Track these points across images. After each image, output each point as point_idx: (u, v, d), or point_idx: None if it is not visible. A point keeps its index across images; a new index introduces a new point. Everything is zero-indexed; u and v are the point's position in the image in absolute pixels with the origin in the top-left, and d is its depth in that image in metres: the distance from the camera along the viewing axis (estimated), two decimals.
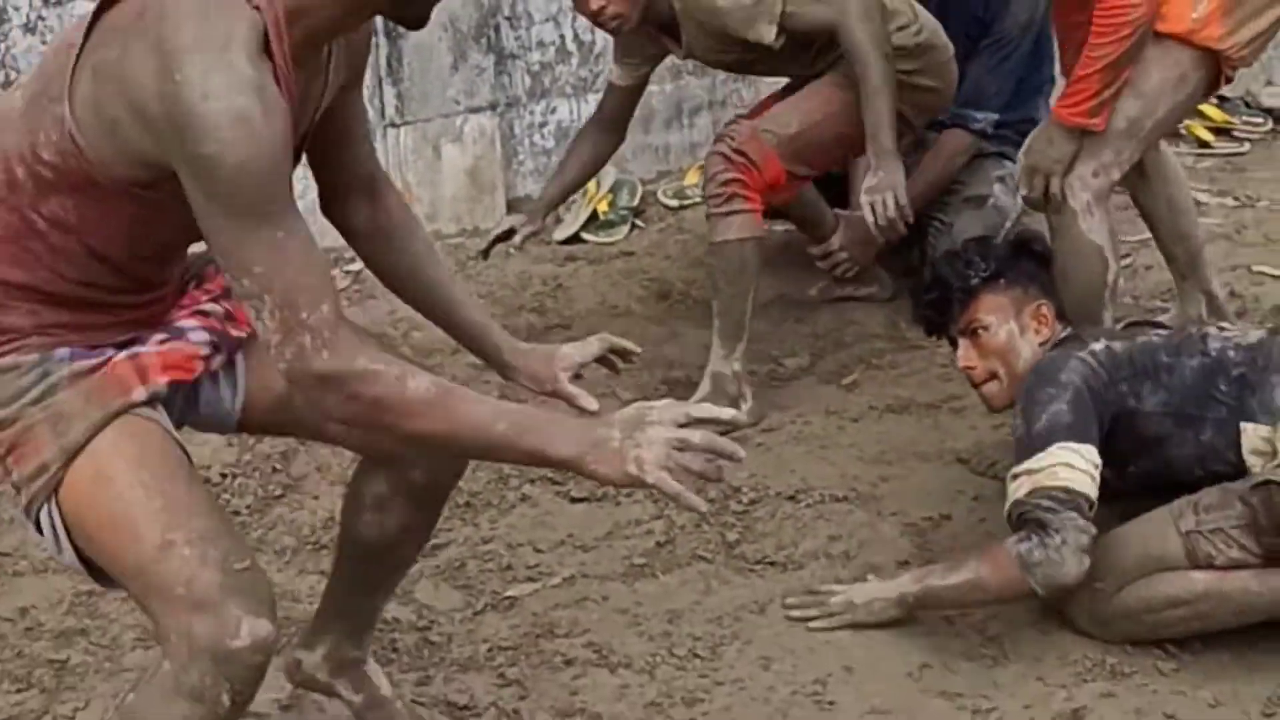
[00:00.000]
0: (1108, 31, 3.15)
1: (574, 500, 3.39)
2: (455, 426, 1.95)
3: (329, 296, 1.92)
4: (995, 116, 4.23)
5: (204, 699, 1.97)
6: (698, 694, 2.75)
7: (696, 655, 2.85)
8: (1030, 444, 2.80)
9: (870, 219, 3.69)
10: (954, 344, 3.15)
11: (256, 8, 1.86)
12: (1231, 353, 2.87)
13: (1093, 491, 2.74)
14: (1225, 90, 5.43)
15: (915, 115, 3.88)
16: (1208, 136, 5.43)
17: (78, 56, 1.92)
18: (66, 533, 2.04)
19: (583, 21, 4.84)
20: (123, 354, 2.09)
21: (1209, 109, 5.44)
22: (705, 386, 3.69)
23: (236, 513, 3.33)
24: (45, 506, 2.03)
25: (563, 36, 4.88)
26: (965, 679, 2.77)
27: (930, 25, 3.90)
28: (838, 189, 4.33)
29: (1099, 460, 2.78)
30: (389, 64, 4.58)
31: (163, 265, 2.15)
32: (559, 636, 2.92)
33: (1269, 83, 5.78)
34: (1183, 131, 5.34)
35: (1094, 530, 2.72)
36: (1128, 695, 2.71)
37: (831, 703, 2.73)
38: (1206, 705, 2.69)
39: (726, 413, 2.04)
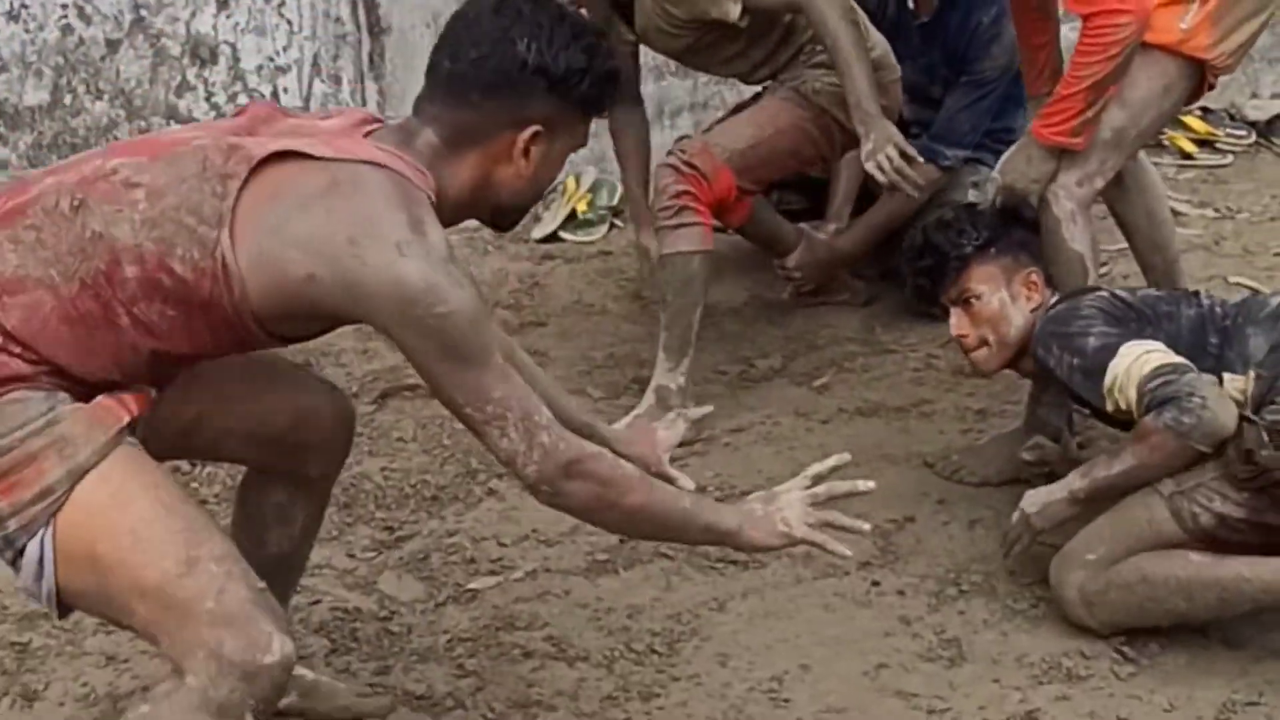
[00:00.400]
0: (1096, 50, 3.13)
1: None
2: (655, 500, 2.24)
3: (540, 398, 2.21)
4: (964, 154, 4.24)
5: (228, 715, 1.99)
6: (654, 689, 2.76)
7: (654, 651, 2.87)
8: (1096, 364, 2.85)
9: (881, 179, 3.66)
10: (945, 311, 3.18)
11: (430, 200, 2.13)
12: (1218, 309, 2.95)
13: (1185, 360, 2.78)
14: (1209, 102, 5.49)
15: (853, 127, 3.90)
16: (1190, 148, 5.44)
17: (239, 193, 2.04)
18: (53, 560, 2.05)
19: None
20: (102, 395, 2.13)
21: (1192, 120, 5.45)
22: (649, 399, 3.66)
23: (205, 501, 3.34)
24: (41, 533, 2.03)
25: None
26: (921, 679, 2.78)
27: (882, 44, 3.92)
28: (820, 194, 4.35)
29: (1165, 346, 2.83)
30: (371, 60, 4.59)
31: (194, 368, 2.24)
32: (519, 629, 2.93)
33: (1253, 95, 5.79)
34: (1165, 143, 5.37)
35: (1214, 378, 2.76)
36: (1082, 698, 2.72)
37: (787, 700, 2.74)
38: (1161, 710, 2.70)
39: (830, 461, 2.38)
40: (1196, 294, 3.02)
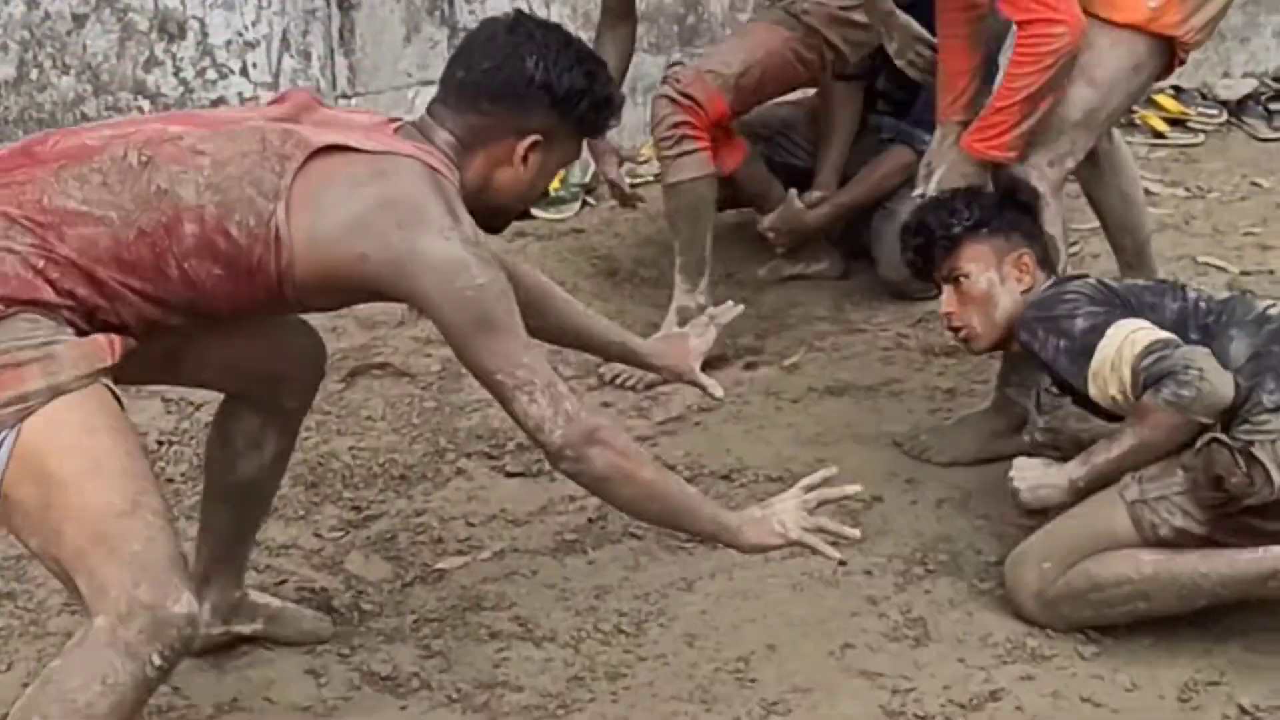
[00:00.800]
0: (1029, 61, 3.13)
1: (509, 475, 3.40)
2: (666, 480, 2.46)
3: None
4: None
5: (136, 656, 2.07)
6: (621, 669, 2.77)
7: (621, 631, 2.87)
8: (1084, 345, 2.84)
9: (914, 75, 3.73)
10: (938, 288, 3.19)
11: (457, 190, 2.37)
12: (1202, 304, 2.94)
13: (1174, 336, 2.78)
14: (1181, 82, 5.50)
15: (849, 50, 3.96)
16: (1162, 127, 5.45)
17: (295, 173, 2.26)
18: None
19: None
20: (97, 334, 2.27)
21: (1165, 100, 5.46)
22: (671, 321, 3.78)
23: (171, 480, 3.34)
24: (5, 435, 2.13)
25: (518, 10, 4.85)
26: (887, 659, 2.79)
27: None
28: (804, 182, 4.34)
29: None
30: (341, 35, 4.57)
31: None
32: (485, 610, 2.93)
33: (1225, 75, 5.80)
34: (1137, 122, 5.37)
35: (1207, 350, 2.76)
36: (1046, 678, 2.74)
37: (753, 680, 2.74)
38: (1124, 689, 2.71)
39: (820, 474, 2.53)
40: (1183, 288, 3.01)
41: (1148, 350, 2.75)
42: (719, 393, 2.86)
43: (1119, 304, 2.93)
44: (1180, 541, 2.75)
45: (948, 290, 3.14)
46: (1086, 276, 3.06)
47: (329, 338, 3.88)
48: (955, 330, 3.15)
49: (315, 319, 4.04)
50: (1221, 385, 2.71)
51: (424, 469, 3.41)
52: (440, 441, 3.50)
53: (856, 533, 2.52)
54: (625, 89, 4.96)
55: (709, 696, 2.70)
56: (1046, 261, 3.17)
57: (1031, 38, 3.12)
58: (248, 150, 2.28)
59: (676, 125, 3.82)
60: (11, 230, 2.20)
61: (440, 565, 3.07)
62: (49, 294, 2.19)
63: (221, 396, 2.71)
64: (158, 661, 2.09)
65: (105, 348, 2.21)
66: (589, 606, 2.94)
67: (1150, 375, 2.73)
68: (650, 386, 3.69)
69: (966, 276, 3.10)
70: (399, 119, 2.47)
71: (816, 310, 4.19)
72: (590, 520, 3.22)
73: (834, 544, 2.49)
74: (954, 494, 3.29)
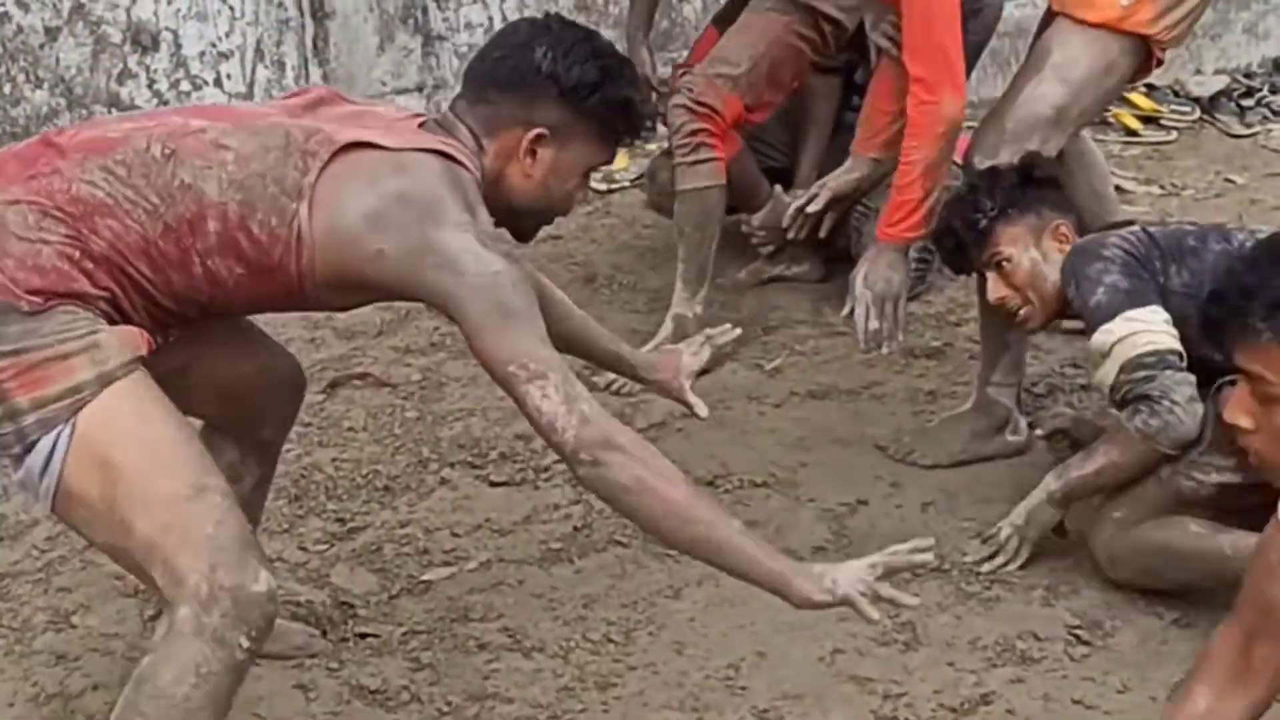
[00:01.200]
0: (921, 130, 3.21)
1: (493, 484, 3.39)
2: (700, 504, 2.23)
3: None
4: None
5: (224, 642, 2.06)
6: (610, 678, 2.76)
7: (610, 640, 2.86)
8: (1090, 321, 2.90)
9: (883, 45, 3.69)
10: (983, 278, 3.18)
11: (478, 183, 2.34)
12: (1249, 245, 2.92)
13: (1175, 342, 2.82)
14: (1154, 79, 5.51)
15: (845, 16, 3.98)
16: (1135, 125, 5.48)
17: (320, 171, 2.22)
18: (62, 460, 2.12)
19: (510, 3, 4.85)
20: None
21: (1137, 98, 5.49)
22: (667, 328, 3.84)
23: None
24: (60, 429, 2.10)
25: (491, 18, 4.86)
26: (877, 664, 2.79)
27: None
28: (781, 182, 4.34)
29: (1166, 314, 2.85)
30: (315, 44, 4.56)
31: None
32: (473, 621, 2.92)
33: (1198, 71, 5.84)
34: (1111, 120, 5.39)
35: (1192, 377, 2.79)
36: (1037, 681, 2.74)
37: (744, 688, 2.74)
38: (1115, 691, 2.72)
39: (902, 548, 2.29)
40: (1231, 229, 3.01)
41: (1138, 361, 2.80)
42: (703, 412, 2.81)
43: (1158, 256, 2.92)
44: (1227, 497, 2.78)
45: (991, 277, 3.13)
46: (1133, 224, 3.09)
47: (308, 349, 3.91)
48: (1012, 314, 3.15)
49: (295, 330, 4.06)
50: (1190, 420, 2.78)
51: (408, 479, 3.40)
52: (423, 452, 3.49)
53: (915, 600, 2.31)
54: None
55: (700, 705, 2.69)
56: (1084, 226, 3.18)
57: (919, 106, 3.22)
58: (271, 146, 2.24)
59: (694, 133, 3.87)
60: (45, 221, 2.17)
61: (427, 576, 3.06)
62: (87, 285, 2.17)
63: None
64: (245, 644, 2.07)
65: (139, 336, 2.20)
66: (577, 616, 2.93)
67: (1131, 393, 2.80)
68: (634, 393, 3.69)
69: (1008, 260, 3.09)
70: (423, 114, 2.43)
71: (796, 313, 4.19)
72: (576, 529, 3.21)
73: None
74: (938, 496, 3.30)
